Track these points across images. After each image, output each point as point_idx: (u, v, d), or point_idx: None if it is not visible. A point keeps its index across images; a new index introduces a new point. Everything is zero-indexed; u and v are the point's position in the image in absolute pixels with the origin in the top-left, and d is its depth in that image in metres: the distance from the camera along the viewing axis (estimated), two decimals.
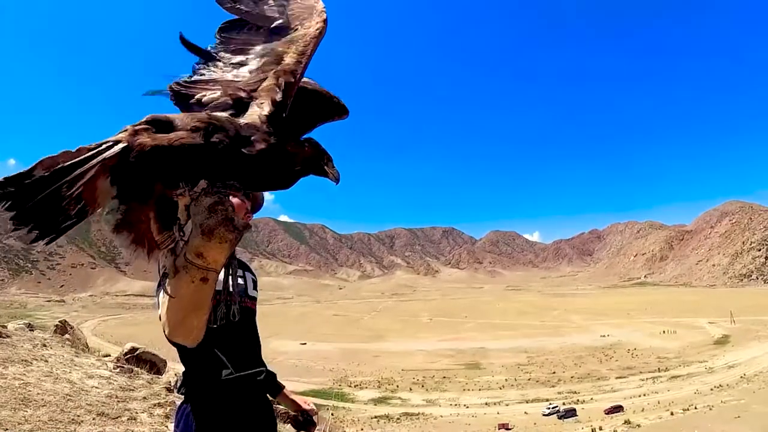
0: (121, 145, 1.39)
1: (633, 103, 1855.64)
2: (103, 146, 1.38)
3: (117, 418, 5.02)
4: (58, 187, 1.31)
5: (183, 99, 1.93)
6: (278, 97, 1.83)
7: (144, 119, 1.54)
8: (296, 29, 2.02)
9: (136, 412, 5.26)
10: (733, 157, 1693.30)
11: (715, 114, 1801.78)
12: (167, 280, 1.60)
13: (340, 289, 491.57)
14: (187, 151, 1.50)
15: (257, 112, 1.77)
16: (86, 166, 1.33)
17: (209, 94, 1.90)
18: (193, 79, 2.00)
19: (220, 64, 2.06)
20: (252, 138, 1.64)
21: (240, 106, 1.84)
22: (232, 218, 1.50)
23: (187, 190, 1.51)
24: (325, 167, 1.86)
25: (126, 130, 1.45)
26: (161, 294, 1.75)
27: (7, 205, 1.27)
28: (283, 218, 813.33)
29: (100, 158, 1.35)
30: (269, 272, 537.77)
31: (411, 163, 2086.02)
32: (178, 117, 1.61)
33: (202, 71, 2.04)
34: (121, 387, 6.20)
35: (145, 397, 5.85)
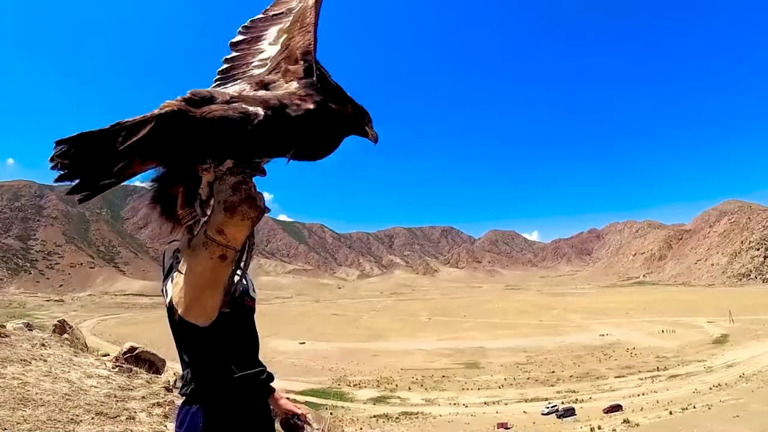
0: (168, 110, 1.45)
1: (632, 103, 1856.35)
2: (148, 116, 1.45)
3: (116, 417, 5.03)
4: (112, 139, 1.40)
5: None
6: (301, 71, 1.84)
7: (187, 94, 1.58)
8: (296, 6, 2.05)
9: (135, 412, 5.26)
10: (732, 157, 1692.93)
11: (714, 114, 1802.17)
12: (183, 258, 1.61)
13: (339, 288, 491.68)
14: (227, 124, 1.54)
15: (290, 85, 1.80)
16: (138, 128, 1.40)
17: (236, 85, 1.87)
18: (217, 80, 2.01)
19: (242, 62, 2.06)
20: (295, 102, 1.68)
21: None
22: (255, 197, 1.54)
23: (213, 166, 1.54)
24: (366, 127, 1.92)
25: (168, 105, 1.49)
26: (173, 276, 1.80)
27: (59, 161, 1.36)
28: (282, 217, 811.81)
29: (149, 124, 1.42)
30: (268, 272, 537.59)
31: (410, 163, 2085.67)
32: (218, 92, 1.66)
33: (227, 73, 2.04)
34: (119, 386, 6.20)
35: (144, 397, 5.85)
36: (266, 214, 1.63)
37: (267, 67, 2.00)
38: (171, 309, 1.83)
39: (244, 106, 1.58)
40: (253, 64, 2.06)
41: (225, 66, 2.08)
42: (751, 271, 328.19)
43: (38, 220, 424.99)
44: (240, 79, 1.97)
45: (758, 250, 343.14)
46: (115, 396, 5.70)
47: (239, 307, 2.21)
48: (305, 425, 2.67)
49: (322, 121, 1.74)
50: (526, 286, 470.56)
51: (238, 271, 1.70)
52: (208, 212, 1.57)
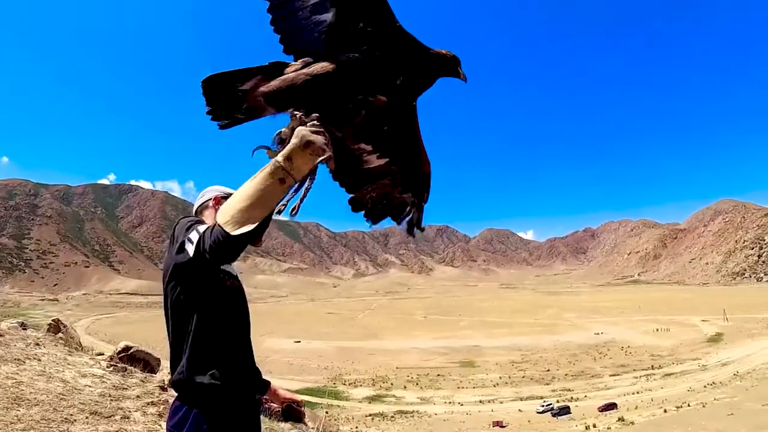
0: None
1: (628, 104, 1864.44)
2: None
3: (110, 417, 4.97)
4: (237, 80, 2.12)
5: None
6: None
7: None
8: None
9: (130, 411, 5.22)
10: (727, 157, 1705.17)
11: (710, 114, 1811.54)
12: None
13: (335, 287, 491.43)
14: (331, 77, 2.13)
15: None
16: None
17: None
18: None
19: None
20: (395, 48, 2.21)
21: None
22: (327, 142, 1.98)
23: (303, 115, 2.01)
24: (458, 68, 2.31)
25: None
26: (202, 225, 2.13)
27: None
28: (277, 217, 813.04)
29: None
30: (263, 270, 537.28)
31: None
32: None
33: None
34: (114, 386, 6.15)
35: (138, 396, 5.80)
36: (328, 163, 2.05)
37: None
38: (195, 258, 2.04)
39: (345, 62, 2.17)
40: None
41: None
42: (745, 270, 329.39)
43: (33, 219, 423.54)
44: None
45: (752, 249, 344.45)
46: (110, 395, 5.66)
47: (231, 290, 2.41)
48: (304, 411, 2.79)
49: (423, 62, 2.25)
50: (521, 284, 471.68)
51: (288, 201, 2.11)
52: (281, 148, 1.99)
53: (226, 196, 2.57)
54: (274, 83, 2.21)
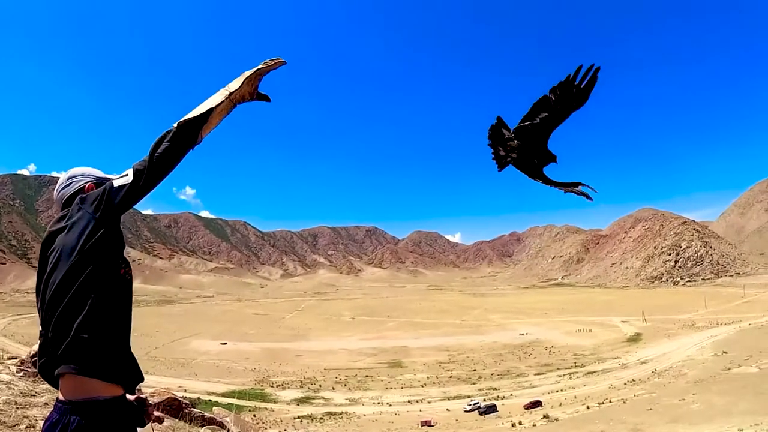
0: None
1: None
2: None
3: (14, 426, 4.30)
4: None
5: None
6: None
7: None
8: None
9: (36, 419, 4.51)
10: (647, 166, 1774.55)
11: (631, 126, 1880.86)
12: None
13: (262, 287, 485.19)
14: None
15: None
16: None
17: None
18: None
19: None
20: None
21: None
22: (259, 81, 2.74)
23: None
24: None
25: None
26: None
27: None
28: (204, 214, 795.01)
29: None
30: (189, 269, 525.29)
31: (335, 161, 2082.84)
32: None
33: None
34: (21, 392, 5.43)
35: (47, 403, 5.10)
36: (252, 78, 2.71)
37: None
38: (141, 173, 2.35)
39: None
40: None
41: None
42: (662, 275, 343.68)
43: None
44: None
45: (669, 255, 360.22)
46: (15, 403, 4.92)
47: (127, 282, 2.44)
48: (145, 410, 2.62)
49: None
50: (449, 286, 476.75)
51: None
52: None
53: (99, 181, 2.67)
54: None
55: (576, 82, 3.48)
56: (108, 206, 2.28)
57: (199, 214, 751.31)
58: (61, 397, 2.13)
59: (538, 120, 3.70)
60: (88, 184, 2.64)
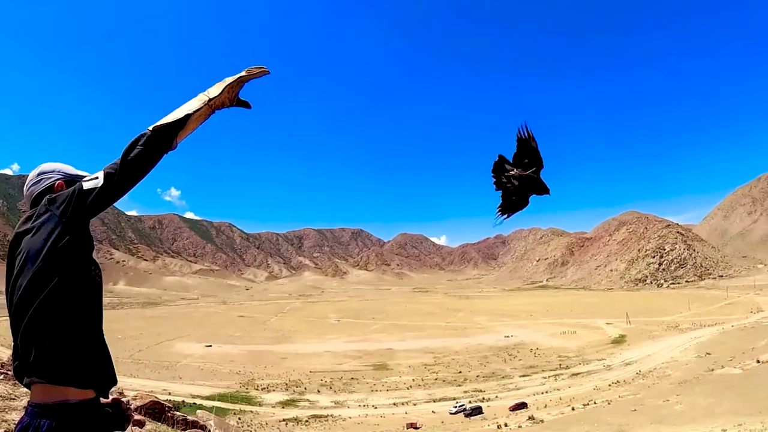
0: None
1: (537, 113, 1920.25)
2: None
3: None
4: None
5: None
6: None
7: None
8: None
9: (14, 423, 4.39)
10: (632, 170, 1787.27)
11: (616, 129, 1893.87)
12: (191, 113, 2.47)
13: (247, 289, 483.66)
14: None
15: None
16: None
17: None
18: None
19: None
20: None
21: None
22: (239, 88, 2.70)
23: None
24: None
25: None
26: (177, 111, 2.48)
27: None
28: (189, 215, 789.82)
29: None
30: (173, 271, 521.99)
31: (321, 164, 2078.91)
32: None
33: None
34: (1, 396, 5.31)
35: (26, 407, 4.94)
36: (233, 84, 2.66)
37: None
38: (112, 177, 2.28)
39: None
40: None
41: None
42: (646, 277, 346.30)
43: None
44: None
45: (653, 257, 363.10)
46: None
47: (92, 283, 2.36)
48: (123, 412, 2.54)
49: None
50: (434, 288, 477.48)
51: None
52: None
53: (70, 179, 2.61)
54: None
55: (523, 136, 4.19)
56: (76, 210, 2.21)
57: (184, 216, 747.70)
58: (32, 401, 2.14)
59: (528, 157, 4.25)
60: (58, 182, 2.57)
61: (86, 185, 2.26)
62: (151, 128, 2.35)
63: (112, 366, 2.39)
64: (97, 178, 2.27)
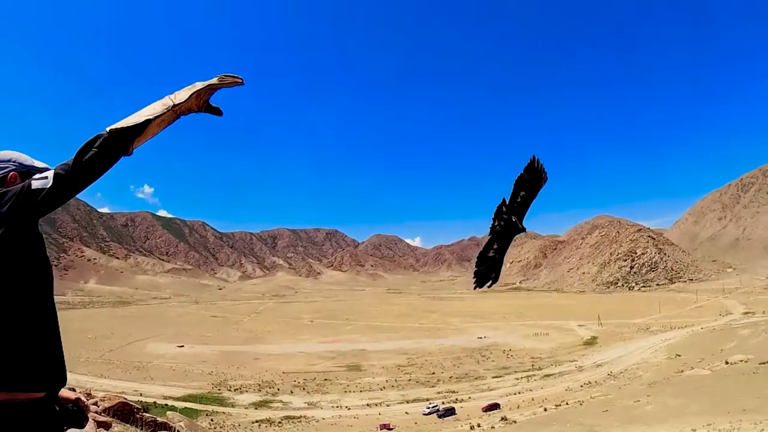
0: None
1: (512, 118, 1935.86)
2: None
3: None
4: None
5: None
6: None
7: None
8: None
9: None
10: (604, 175, 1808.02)
11: (591, 133, 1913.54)
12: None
13: (220, 289, 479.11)
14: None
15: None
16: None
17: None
18: None
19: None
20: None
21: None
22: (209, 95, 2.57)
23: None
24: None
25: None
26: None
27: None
28: (162, 213, 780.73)
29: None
30: (146, 270, 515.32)
31: (295, 163, 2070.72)
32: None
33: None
34: None
35: None
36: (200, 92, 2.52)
37: None
38: (63, 177, 2.16)
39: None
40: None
41: None
42: (618, 280, 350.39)
43: None
44: None
45: (625, 261, 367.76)
46: None
47: (42, 283, 2.29)
48: (82, 411, 2.57)
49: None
50: (408, 290, 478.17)
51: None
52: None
53: (25, 170, 2.53)
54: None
55: (535, 167, 5.00)
56: (22, 210, 2.12)
57: (157, 214, 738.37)
58: None
59: (519, 199, 5.11)
60: (11, 173, 2.48)
61: (35, 184, 2.14)
62: (108, 130, 2.24)
63: (64, 366, 2.34)
64: (46, 177, 2.15)
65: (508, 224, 5.16)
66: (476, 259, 5.37)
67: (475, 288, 5.37)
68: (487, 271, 5.29)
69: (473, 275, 5.24)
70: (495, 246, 5.33)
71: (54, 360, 2.26)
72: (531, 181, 5.04)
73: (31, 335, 2.14)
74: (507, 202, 5.15)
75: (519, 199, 5.12)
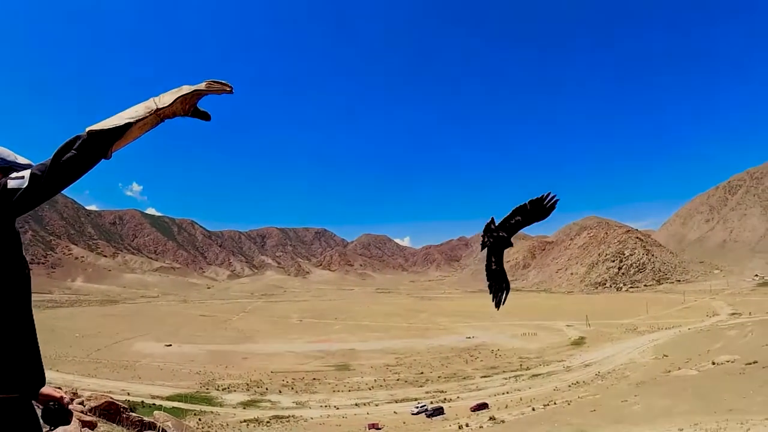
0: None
1: (499, 119, 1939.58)
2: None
3: None
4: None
5: None
6: None
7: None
8: None
9: None
10: (592, 176, 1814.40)
11: (576, 138, 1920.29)
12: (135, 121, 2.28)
13: (208, 288, 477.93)
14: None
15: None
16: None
17: None
18: None
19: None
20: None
21: None
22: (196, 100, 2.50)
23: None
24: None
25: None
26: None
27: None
28: (151, 211, 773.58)
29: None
30: (134, 268, 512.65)
31: (285, 162, 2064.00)
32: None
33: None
34: None
35: None
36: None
37: None
38: (39, 178, 2.09)
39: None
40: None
41: None
42: (606, 281, 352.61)
43: None
44: None
45: (613, 262, 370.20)
46: None
47: (18, 282, 2.27)
48: (65, 409, 2.54)
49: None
50: (397, 289, 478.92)
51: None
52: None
53: (9, 166, 2.47)
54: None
55: (544, 203, 5.47)
56: None
57: (146, 212, 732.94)
58: None
59: (513, 221, 5.60)
60: None
61: (11, 184, 2.11)
62: (87, 131, 2.17)
63: (41, 367, 2.31)
64: (23, 177, 2.12)
65: (497, 240, 5.70)
66: (485, 274, 5.97)
67: (498, 308, 6.07)
68: (497, 284, 5.85)
69: (491, 294, 5.89)
70: (493, 259, 5.84)
71: (29, 361, 2.23)
72: (531, 213, 5.55)
73: (5, 337, 2.11)
74: (495, 221, 5.73)
75: (513, 221, 5.64)
